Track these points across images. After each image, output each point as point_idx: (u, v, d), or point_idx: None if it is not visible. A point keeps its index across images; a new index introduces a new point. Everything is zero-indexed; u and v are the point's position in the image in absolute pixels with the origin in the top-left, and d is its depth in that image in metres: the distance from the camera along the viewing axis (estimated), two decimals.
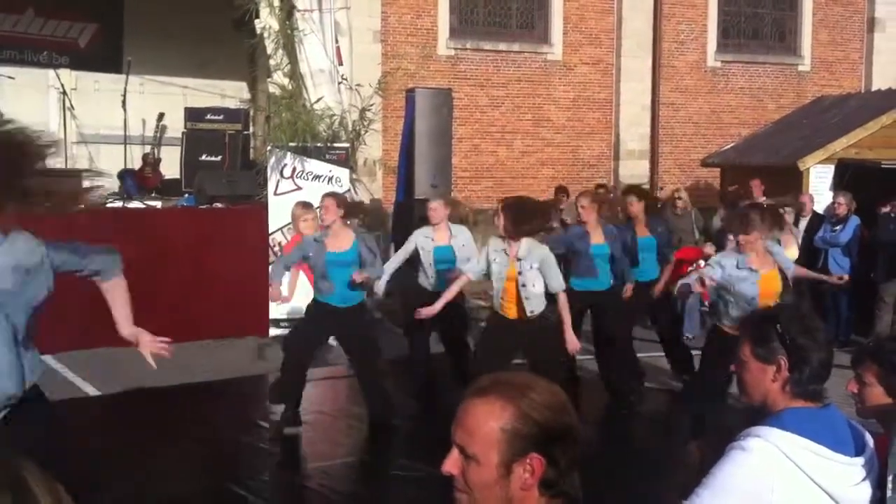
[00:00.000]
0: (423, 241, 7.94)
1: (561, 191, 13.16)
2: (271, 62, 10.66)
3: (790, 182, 11.96)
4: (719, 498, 2.21)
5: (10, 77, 11.49)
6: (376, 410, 6.91)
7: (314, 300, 6.97)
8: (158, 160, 12.24)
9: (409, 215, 11.11)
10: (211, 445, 6.70)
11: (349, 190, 10.71)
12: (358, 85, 10.63)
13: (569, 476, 1.65)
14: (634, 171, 16.63)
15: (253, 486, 5.80)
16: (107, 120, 12.03)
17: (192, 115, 12.17)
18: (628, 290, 7.95)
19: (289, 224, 10.10)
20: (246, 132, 12.47)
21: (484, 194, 15.53)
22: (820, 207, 11.30)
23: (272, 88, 10.70)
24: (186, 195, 11.25)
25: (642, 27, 16.53)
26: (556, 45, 16.22)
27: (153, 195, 11.41)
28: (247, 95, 14.02)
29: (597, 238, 7.66)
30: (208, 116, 12.14)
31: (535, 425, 1.61)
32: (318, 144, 10.45)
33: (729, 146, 15.66)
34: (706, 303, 10.96)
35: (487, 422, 1.62)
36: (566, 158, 16.29)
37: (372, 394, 6.92)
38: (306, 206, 9.78)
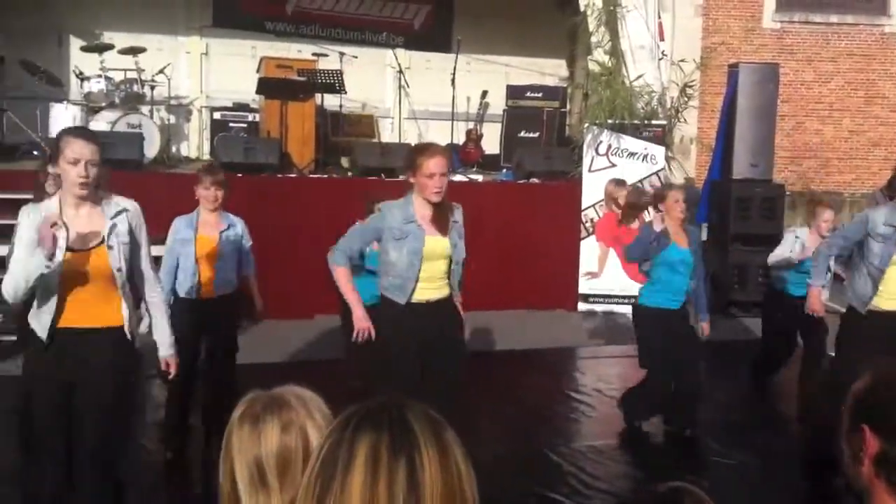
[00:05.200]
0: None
1: None
2: (593, 39, 10.80)
3: None
4: None
5: (354, 56, 12.48)
6: None
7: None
8: (481, 136, 12.80)
9: (726, 195, 10.83)
10: (527, 411, 6.97)
11: (663, 168, 10.67)
12: (682, 60, 10.52)
13: None
14: None
15: (567, 453, 5.98)
16: (436, 97, 12.78)
17: (513, 92, 12.59)
18: None
19: (601, 201, 10.25)
20: (563, 109, 12.72)
21: (805, 175, 14.72)
22: None
23: (592, 66, 10.85)
24: (505, 170, 11.71)
25: None
26: (895, 17, 14.94)
27: (474, 169, 11.99)
28: (564, 73, 14.25)
29: None
30: (528, 94, 12.51)
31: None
32: (635, 122, 10.48)
33: None
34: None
35: None
36: None
37: None
38: (620, 183, 9.88)
